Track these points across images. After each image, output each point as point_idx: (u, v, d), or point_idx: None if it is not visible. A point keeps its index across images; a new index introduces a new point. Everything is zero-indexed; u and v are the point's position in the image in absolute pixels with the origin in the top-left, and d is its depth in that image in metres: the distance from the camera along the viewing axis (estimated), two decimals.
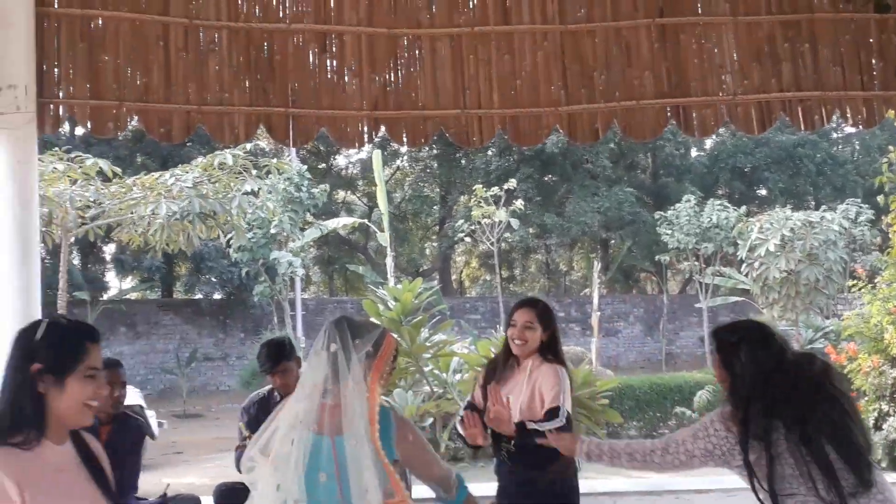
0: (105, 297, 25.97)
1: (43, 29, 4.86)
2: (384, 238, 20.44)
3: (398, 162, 34.18)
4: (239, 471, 5.19)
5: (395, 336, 3.36)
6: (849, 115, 5.48)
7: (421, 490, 3.56)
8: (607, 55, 5.40)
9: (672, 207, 25.33)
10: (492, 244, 22.77)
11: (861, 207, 23.29)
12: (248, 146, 13.62)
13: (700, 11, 5.46)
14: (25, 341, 2.40)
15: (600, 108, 5.37)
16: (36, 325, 2.43)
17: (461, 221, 26.07)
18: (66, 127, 21.09)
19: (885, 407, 9.75)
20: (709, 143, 34.03)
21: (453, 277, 37.79)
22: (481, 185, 22.47)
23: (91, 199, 12.48)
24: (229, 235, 16.30)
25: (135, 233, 13.32)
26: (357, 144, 5.46)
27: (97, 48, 4.96)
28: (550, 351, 4.34)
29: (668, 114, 5.41)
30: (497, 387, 4.15)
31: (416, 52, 5.37)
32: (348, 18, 5.29)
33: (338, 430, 2.91)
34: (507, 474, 4.32)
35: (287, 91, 5.20)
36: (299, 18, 5.26)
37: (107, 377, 3.23)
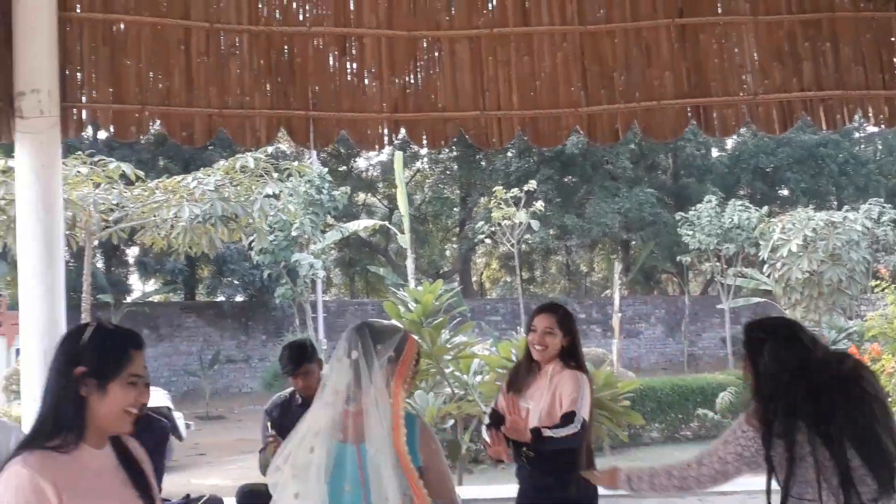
0: (128, 299, 26.20)
1: (66, 33, 4.89)
2: (404, 240, 20.46)
3: (418, 164, 34.22)
4: (262, 473, 5.23)
5: (416, 338, 3.35)
6: (871, 115, 5.43)
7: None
8: (627, 56, 5.38)
9: (693, 208, 25.22)
10: (512, 246, 22.77)
11: (884, 207, 23.10)
12: (270, 149, 13.62)
13: (720, 11, 5.43)
14: (71, 344, 2.39)
15: (620, 108, 5.35)
16: (83, 328, 2.42)
17: (481, 223, 26.07)
18: (89, 131, 21.25)
19: None
20: (730, 143, 33.89)
21: (474, 279, 37.78)
22: (501, 187, 22.45)
23: (114, 203, 12.55)
24: (251, 238, 16.37)
25: (157, 236, 13.39)
26: (377, 146, 5.47)
27: (119, 52, 4.99)
28: (571, 356, 4.35)
29: (689, 114, 5.38)
30: (513, 397, 4.17)
31: (436, 53, 5.37)
32: (368, 21, 5.30)
33: (361, 437, 2.90)
34: (527, 478, 4.36)
35: (307, 94, 5.21)
36: (319, 21, 5.27)
37: None
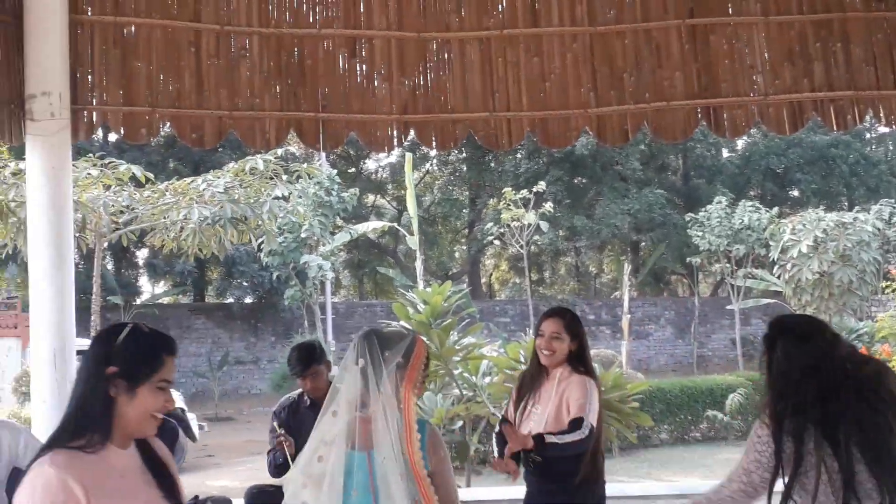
0: (138, 301, 26.27)
1: (76, 36, 4.91)
2: (413, 241, 20.45)
3: (427, 165, 34.24)
4: (271, 474, 5.24)
5: (425, 340, 3.34)
6: (882, 115, 5.40)
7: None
8: (637, 56, 5.36)
9: (703, 209, 25.14)
10: (521, 247, 22.76)
11: (895, 208, 23.00)
12: (279, 151, 13.63)
13: (730, 12, 5.41)
14: (106, 343, 2.38)
15: (630, 109, 5.34)
16: (119, 328, 2.41)
17: (490, 224, 26.08)
18: (99, 133, 21.27)
19: None
20: (740, 143, 33.78)
21: (482, 280, 37.76)
22: (510, 188, 22.44)
23: (124, 205, 12.59)
24: (260, 240, 16.39)
25: (167, 237, 13.43)
26: (386, 148, 5.46)
27: (130, 55, 5.01)
28: (579, 361, 4.36)
29: (699, 115, 5.36)
30: (510, 427, 4.16)
31: (445, 55, 5.36)
32: (377, 23, 5.30)
33: (371, 444, 2.91)
34: (534, 482, 4.38)
35: (317, 96, 5.22)
36: (329, 23, 5.28)
37: None
